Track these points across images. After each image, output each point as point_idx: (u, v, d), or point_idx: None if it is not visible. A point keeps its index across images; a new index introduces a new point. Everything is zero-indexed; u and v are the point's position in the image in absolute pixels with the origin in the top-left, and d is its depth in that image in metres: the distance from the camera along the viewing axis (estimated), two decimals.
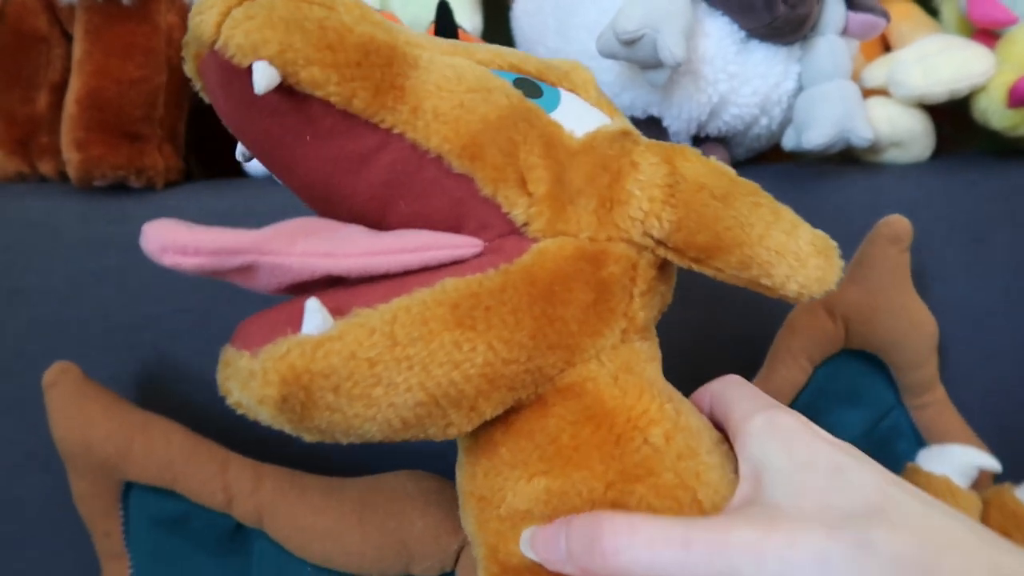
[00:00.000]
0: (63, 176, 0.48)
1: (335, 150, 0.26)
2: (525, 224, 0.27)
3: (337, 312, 0.25)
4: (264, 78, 0.24)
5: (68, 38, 0.48)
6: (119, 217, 0.45)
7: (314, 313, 0.24)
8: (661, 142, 0.31)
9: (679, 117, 0.46)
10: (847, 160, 0.53)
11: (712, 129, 0.48)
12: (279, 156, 0.27)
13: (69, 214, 0.45)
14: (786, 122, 0.48)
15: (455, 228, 0.28)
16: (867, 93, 0.51)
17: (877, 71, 0.51)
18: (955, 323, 0.50)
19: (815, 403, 0.47)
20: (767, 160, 0.55)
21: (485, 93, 0.27)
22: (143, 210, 0.45)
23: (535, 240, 0.28)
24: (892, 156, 0.52)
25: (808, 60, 0.46)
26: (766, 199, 0.29)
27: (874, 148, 0.51)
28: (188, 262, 0.24)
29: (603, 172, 0.29)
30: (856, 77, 0.52)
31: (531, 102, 0.29)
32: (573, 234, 0.28)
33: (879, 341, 0.46)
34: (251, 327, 0.26)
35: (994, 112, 0.48)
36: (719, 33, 0.45)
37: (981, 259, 0.51)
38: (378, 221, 0.28)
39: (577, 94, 0.32)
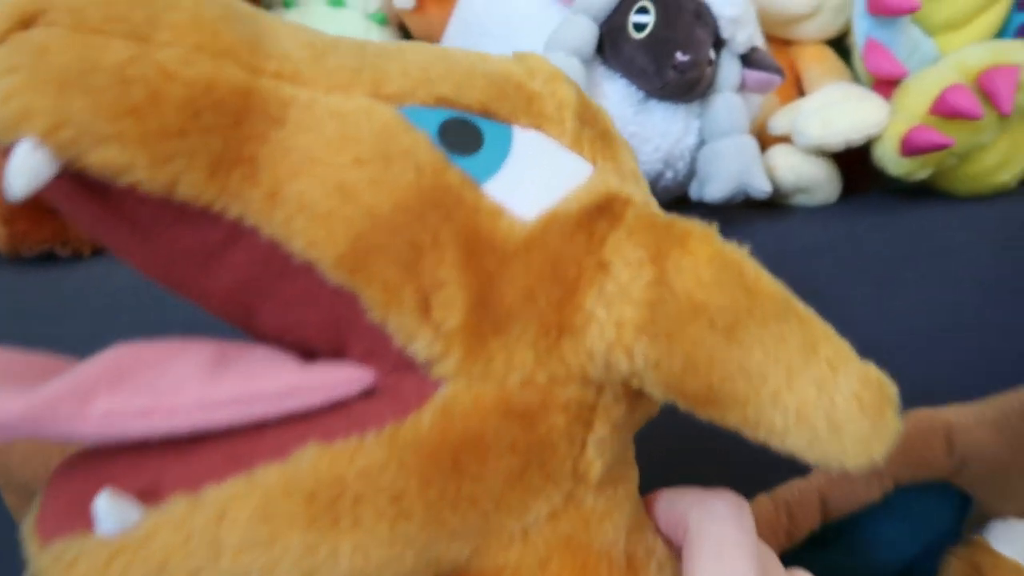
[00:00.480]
0: None
1: (165, 247, 0.20)
2: (427, 363, 0.20)
3: (152, 493, 0.19)
4: (28, 168, 0.17)
5: None
6: (47, 286, 0.47)
7: (107, 514, 0.18)
8: (660, 219, 0.23)
9: None
10: (757, 204, 0.55)
11: None
12: (110, 246, 0.21)
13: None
14: (691, 173, 0.50)
15: (337, 347, 0.21)
16: (774, 140, 0.53)
17: (782, 120, 0.53)
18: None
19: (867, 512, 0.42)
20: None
21: (382, 165, 0.20)
22: (70, 278, 0.47)
23: (440, 384, 0.20)
24: (799, 200, 0.53)
25: (707, 117, 0.48)
26: (798, 325, 0.21)
27: (781, 194, 0.53)
28: None
29: (551, 283, 0.21)
30: (768, 118, 0.54)
31: (455, 169, 0.21)
32: (497, 378, 0.21)
33: (998, 499, 0.41)
34: (51, 498, 0.20)
35: (890, 160, 0.50)
36: (618, 95, 0.47)
37: (886, 300, 0.53)
38: (245, 326, 0.22)
39: (545, 130, 0.23)
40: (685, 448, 0.43)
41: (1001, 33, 0.54)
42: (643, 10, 0.44)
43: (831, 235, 0.53)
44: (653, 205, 0.25)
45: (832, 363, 0.21)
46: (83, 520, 0.19)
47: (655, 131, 0.47)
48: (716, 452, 0.40)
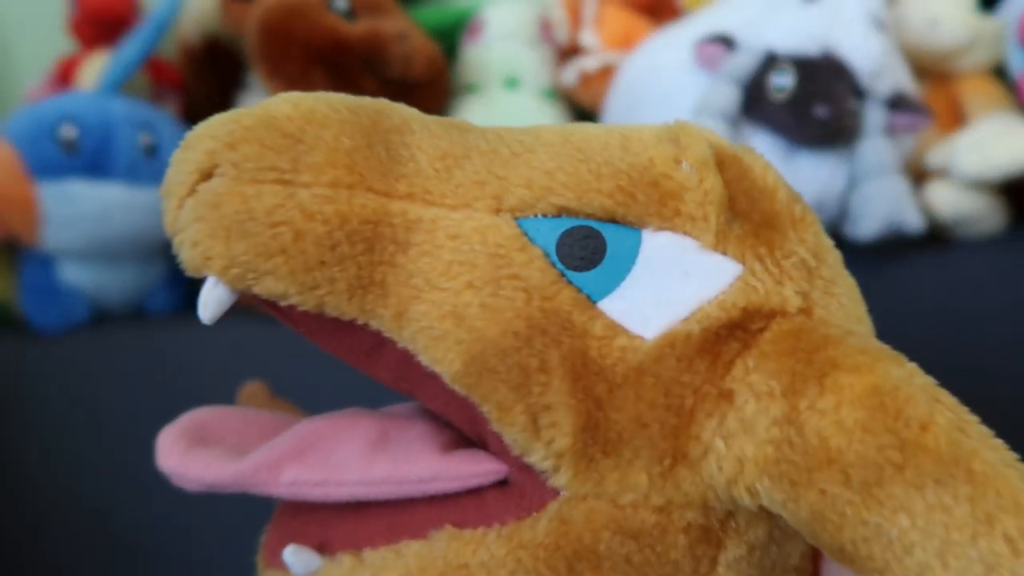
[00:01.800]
0: None
1: (335, 344, 0.23)
2: (544, 473, 0.21)
3: (327, 545, 0.24)
4: (214, 302, 0.21)
5: None
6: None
7: (293, 563, 0.23)
8: (806, 341, 0.21)
9: None
10: (922, 239, 0.56)
11: None
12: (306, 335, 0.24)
13: None
14: (843, 215, 0.53)
15: (479, 437, 0.23)
16: (931, 174, 0.54)
17: (938, 155, 0.54)
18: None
19: None
20: None
21: (492, 290, 0.21)
22: None
23: (559, 491, 0.21)
24: (962, 232, 0.54)
25: (855, 161, 0.50)
26: (971, 490, 0.18)
27: (941, 227, 0.54)
28: (190, 487, 0.24)
29: (664, 411, 0.20)
30: (927, 148, 0.56)
31: (568, 290, 0.21)
32: (610, 496, 0.21)
33: None
34: (270, 533, 0.26)
35: None
36: (764, 147, 0.51)
37: None
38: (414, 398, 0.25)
39: (682, 231, 0.22)
40: None
41: None
42: (782, 72, 0.48)
43: (998, 267, 0.53)
44: (822, 297, 0.22)
45: (1014, 540, 0.17)
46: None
47: (803, 178, 0.51)
48: None
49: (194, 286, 0.23)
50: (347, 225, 0.21)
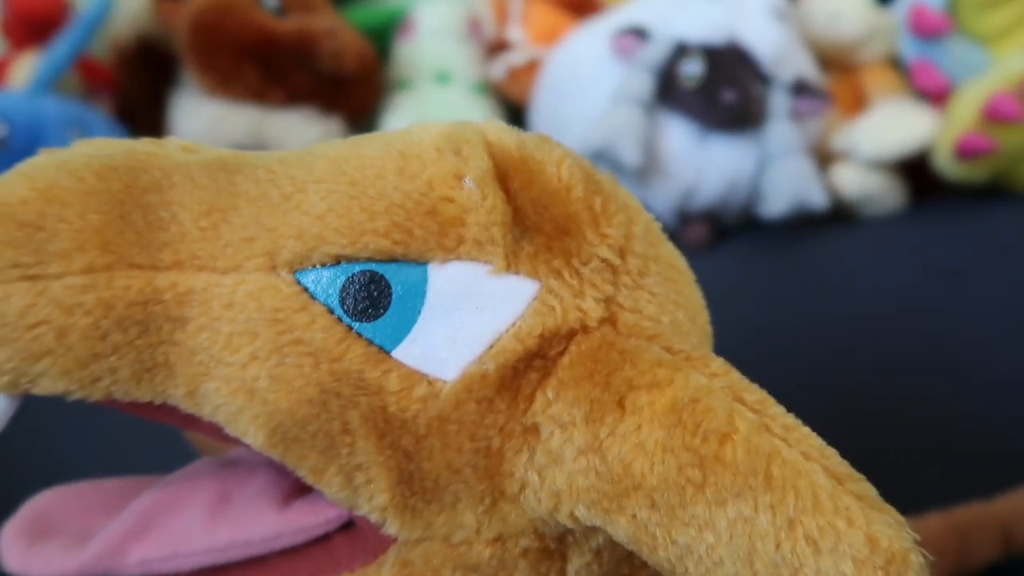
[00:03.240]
0: None
1: (148, 415, 0.22)
2: (375, 523, 0.21)
3: None
4: None
5: None
6: None
7: None
8: (603, 362, 0.20)
9: (657, 204, 0.55)
10: (830, 216, 0.59)
11: (692, 209, 0.56)
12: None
13: None
14: (755, 195, 0.56)
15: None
16: (836, 156, 0.58)
17: (841, 138, 0.58)
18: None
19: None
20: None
21: (277, 359, 0.20)
22: None
23: (395, 539, 0.21)
24: (866, 210, 0.58)
25: (762, 144, 0.54)
26: (771, 499, 0.18)
27: (847, 206, 0.57)
28: None
29: (474, 455, 0.20)
30: (832, 132, 0.59)
31: (356, 346, 0.20)
32: (442, 536, 0.21)
33: None
34: None
35: (947, 166, 0.53)
36: (680, 132, 0.54)
37: (955, 301, 0.55)
38: None
39: (468, 257, 0.20)
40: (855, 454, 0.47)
41: None
42: (692, 60, 0.51)
43: (901, 241, 0.56)
44: (629, 296, 0.22)
45: (816, 541, 0.17)
46: None
47: (717, 162, 0.54)
48: (893, 463, 0.38)
49: None
50: (113, 312, 0.19)
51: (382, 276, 0.20)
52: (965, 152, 0.51)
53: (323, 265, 0.20)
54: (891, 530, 0.17)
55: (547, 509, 0.20)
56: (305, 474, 0.21)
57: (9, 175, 0.20)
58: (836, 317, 0.56)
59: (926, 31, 0.53)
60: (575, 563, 0.22)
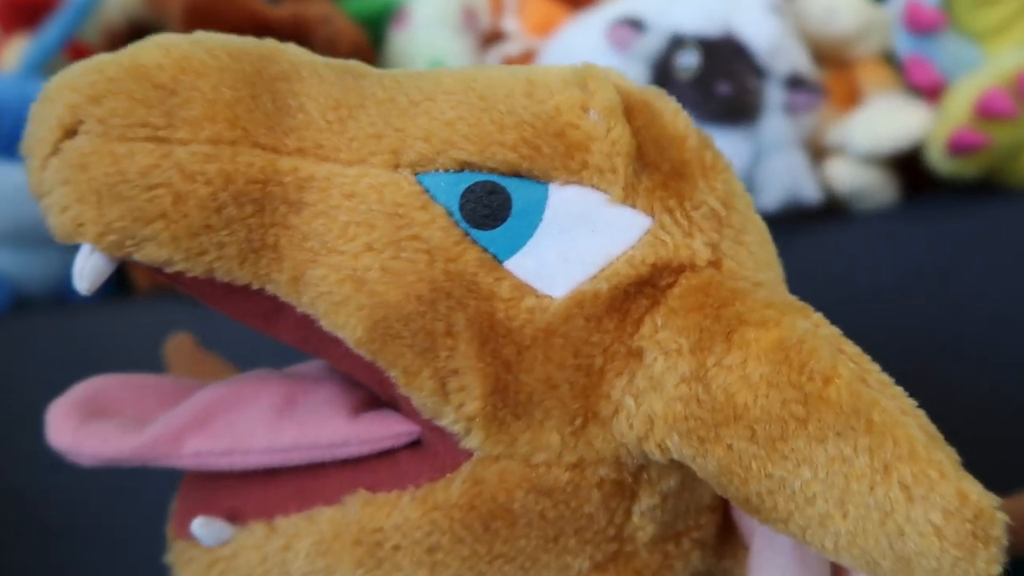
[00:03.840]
0: None
1: (230, 307, 0.22)
2: (456, 435, 0.21)
3: (238, 514, 0.23)
4: (90, 271, 0.20)
5: None
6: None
7: (202, 534, 0.23)
8: (714, 296, 0.20)
9: None
10: (823, 211, 0.59)
11: None
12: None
13: None
14: (749, 188, 0.56)
15: (390, 397, 0.22)
16: (829, 151, 0.58)
17: (835, 133, 0.58)
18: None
19: None
20: None
21: (393, 252, 0.20)
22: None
23: (469, 456, 0.21)
24: (859, 205, 0.58)
25: (759, 137, 0.54)
26: (870, 441, 0.18)
27: (840, 201, 0.58)
28: (85, 463, 0.23)
29: (574, 372, 0.20)
30: (826, 127, 0.59)
31: (472, 251, 0.20)
32: (522, 456, 0.21)
33: None
34: (179, 504, 0.25)
35: (940, 161, 0.53)
36: None
37: (950, 296, 0.55)
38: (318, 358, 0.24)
39: (589, 184, 0.21)
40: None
41: None
42: (688, 52, 0.51)
43: (893, 236, 0.57)
44: (731, 247, 0.22)
45: (909, 487, 0.17)
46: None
47: None
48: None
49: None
50: (232, 185, 0.19)
51: (503, 188, 0.21)
52: (957, 147, 0.52)
53: (446, 170, 0.21)
54: (979, 487, 0.18)
55: (637, 436, 0.20)
56: (397, 374, 0.20)
57: (143, 44, 0.20)
58: (828, 311, 0.56)
59: (921, 27, 0.53)
60: (643, 503, 0.22)
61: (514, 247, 0.21)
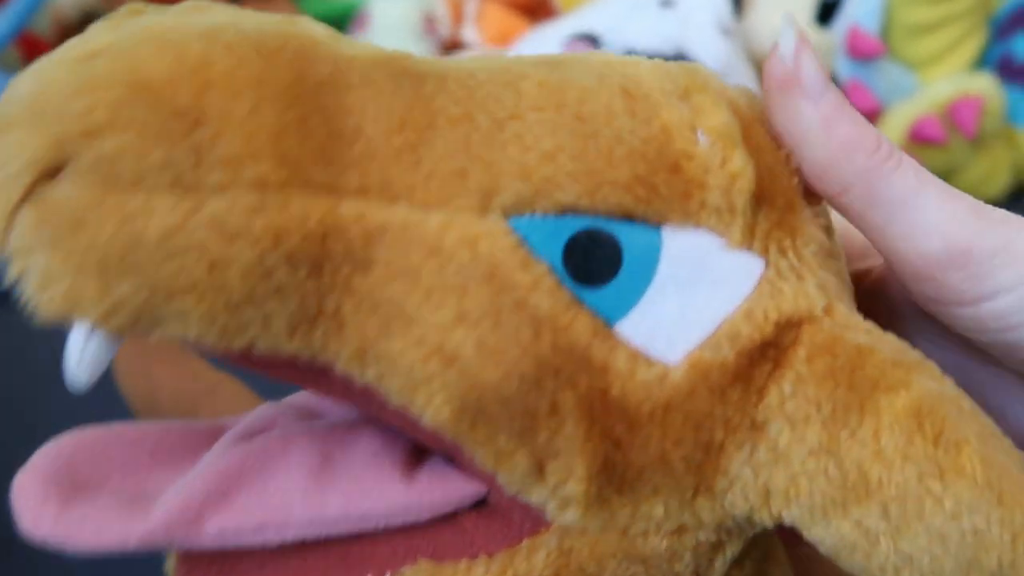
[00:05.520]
0: None
1: (268, 373, 0.18)
2: (542, 509, 0.18)
3: None
4: (90, 361, 0.15)
5: None
6: None
7: None
8: (843, 356, 0.18)
9: None
10: None
11: None
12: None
13: None
14: None
15: (445, 450, 0.19)
16: None
17: None
18: None
19: None
20: None
21: (491, 324, 0.16)
22: None
23: (551, 524, 0.18)
24: None
25: None
26: (995, 507, 0.17)
27: None
28: (78, 552, 0.18)
29: (693, 448, 0.18)
30: None
31: (583, 317, 0.17)
32: (620, 527, 0.18)
33: None
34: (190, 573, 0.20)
35: None
36: None
37: None
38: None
39: (709, 227, 0.18)
40: None
41: (981, 63, 0.60)
42: None
43: None
44: (835, 284, 0.19)
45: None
46: None
47: None
48: None
49: None
50: (283, 245, 0.15)
51: (612, 235, 0.17)
52: None
53: (545, 214, 0.17)
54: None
55: (751, 507, 0.18)
56: (483, 456, 0.17)
57: (134, 40, 0.15)
58: None
59: (861, 54, 0.56)
60: (728, 553, 0.20)
61: (626, 307, 0.17)
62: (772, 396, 0.18)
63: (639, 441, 0.17)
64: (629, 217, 0.17)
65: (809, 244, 0.19)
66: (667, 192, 0.17)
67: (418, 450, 0.20)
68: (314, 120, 0.16)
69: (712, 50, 0.53)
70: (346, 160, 0.16)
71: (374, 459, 0.19)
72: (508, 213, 0.17)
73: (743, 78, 0.57)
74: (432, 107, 0.17)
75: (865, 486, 0.17)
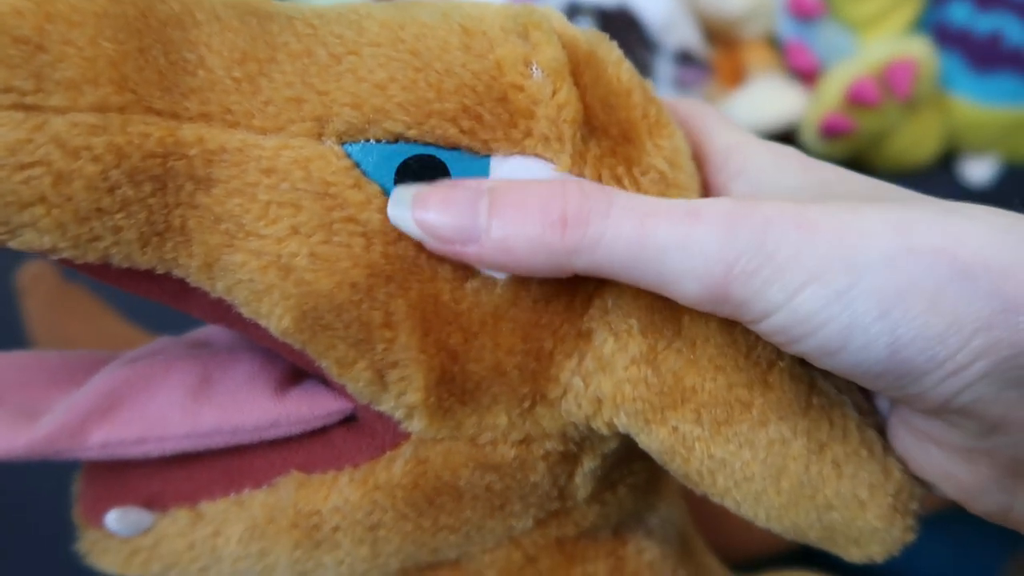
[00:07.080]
0: None
1: (130, 287, 0.19)
2: (395, 419, 0.20)
3: (158, 500, 0.21)
4: None
5: None
6: None
7: (118, 526, 0.21)
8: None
9: None
10: None
11: None
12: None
13: None
14: None
15: (317, 371, 0.20)
16: None
17: (720, 109, 0.60)
18: None
19: None
20: None
21: (323, 236, 0.17)
22: None
23: (409, 435, 0.20)
24: None
25: None
26: (808, 424, 0.19)
27: None
28: None
29: (523, 356, 0.19)
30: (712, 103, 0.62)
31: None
32: (468, 436, 0.20)
33: None
34: (86, 487, 0.22)
35: (812, 142, 0.57)
36: None
37: None
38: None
39: (533, 153, 0.19)
40: None
41: (919, 26, 0.61)
42: (583, 20, 0.52)
43: None
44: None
45: (840, 465, 0.19)
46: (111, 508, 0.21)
47: None
48: None
49: None
50: (126, 162, 0.16)
51: (442, 163, 0.18)
52: (829, 131, 0.55)
53: (378, 141, 0.18)
54: (900, 463, 0.19)
55: (585, 415, 0.20)
56: (328, 365, 0.19)
57: None
58: None
59: (802, 13, 0.56)
60: (585, 467, 0.21)
61: None
62: (596, 307, 0.19)
63: (474, 351, 0.19)
64: (456, 146, 0.18)
65: (648, 172, 0.20)
66: (492, 121, 0.18)
67: (296, 373, 0.21)
68: (155, 51, 0.17)
69: (656, 5, 0.53)
70: (187, 88, 0.17)
71: (249, 379, 0.21)
72: (342, 139, 0.18)
73: (687, 32, 0.57)
74: (275, 42, 0.18)
75: (681, 393, 0.19)
